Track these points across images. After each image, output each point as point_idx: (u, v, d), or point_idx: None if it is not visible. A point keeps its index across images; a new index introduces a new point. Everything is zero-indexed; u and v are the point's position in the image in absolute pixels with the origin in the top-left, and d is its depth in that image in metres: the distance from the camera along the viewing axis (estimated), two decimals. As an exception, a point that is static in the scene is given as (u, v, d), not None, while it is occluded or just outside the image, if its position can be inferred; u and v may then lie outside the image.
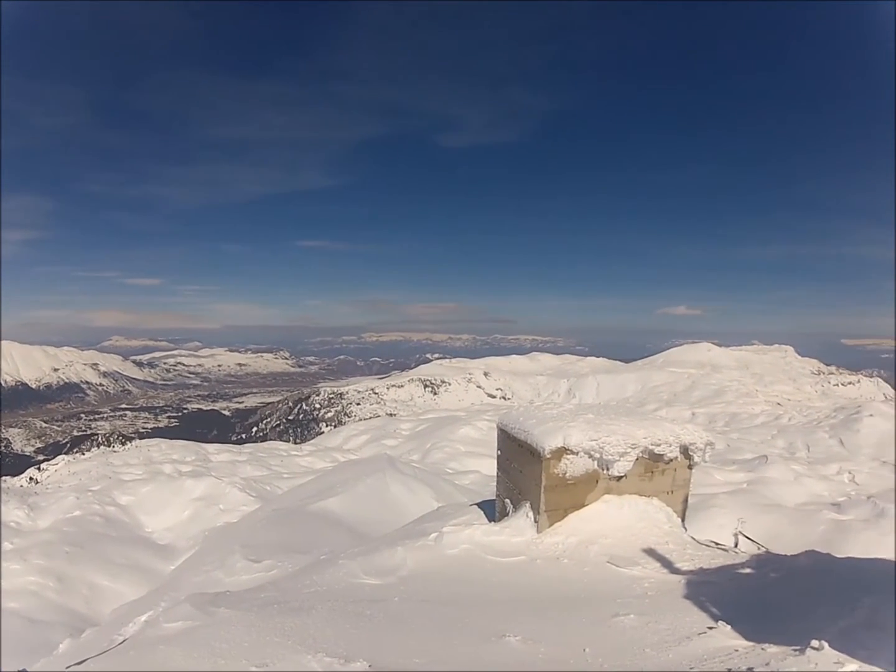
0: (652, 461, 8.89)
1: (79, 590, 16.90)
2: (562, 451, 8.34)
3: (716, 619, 5.48)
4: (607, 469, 8.56)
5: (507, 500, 9.63)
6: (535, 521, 8.63)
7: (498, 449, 10.22)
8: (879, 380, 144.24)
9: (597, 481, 8.69)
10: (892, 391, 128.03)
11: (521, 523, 8.73)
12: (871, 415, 44.53)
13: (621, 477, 8.71)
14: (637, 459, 8.69)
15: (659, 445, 8.75)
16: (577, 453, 8.36)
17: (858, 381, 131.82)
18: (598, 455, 8.44)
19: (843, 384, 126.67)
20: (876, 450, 38.11)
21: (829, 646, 4.06)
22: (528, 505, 8.86)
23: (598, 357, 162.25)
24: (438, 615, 6.34)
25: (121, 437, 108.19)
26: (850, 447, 39.97)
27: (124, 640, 6.69)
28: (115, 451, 43.04)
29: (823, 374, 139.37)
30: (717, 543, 8.93)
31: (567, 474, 8.43)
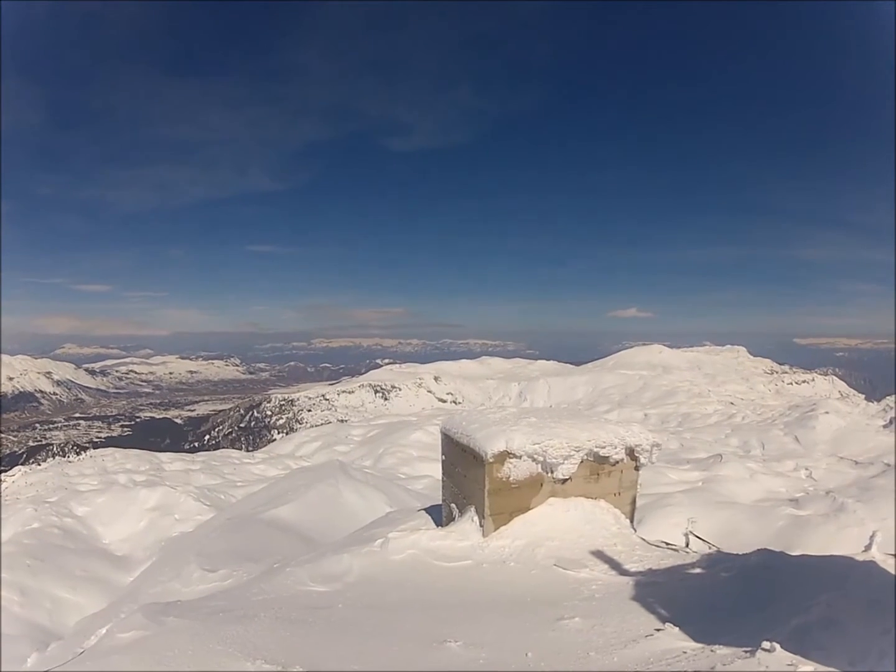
0: (597, 463, 8.90)
1: (42, 603, 16.70)
2: (504, 455, 8.32)
3: (664, 620, 5.43)
4: (551, 472, 8.57)
5: (453, 505, 9.59)
6: (481, 526, 8.61)
7: (442, 454, 10.20)
8: (834, 378, 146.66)
9: (541, 484, 8.67)
10: (847, 388, 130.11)
11: (466, 528, 8.70)
12: (827, 412, 44.99)
13: (566, 480, 8.71)
14: (582, 462, 8.70)
15: (604, 448, 8.77)
16: (520, 457, 8.35)
17: (813, 380, 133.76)
18: (541, 458, 8.44)
19: (796, 383, 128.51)
20: (832, 446, 38.48)
21: (782, 647, 3.98)
22: (473, 509, 8.83)
23: (548, 360, 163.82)
24: (381, 621, 6.29)
25: (75, 447, 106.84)
26: (806, 444, 40.32)
27: (83, 652, 6.64)
28: (70, 462, 42.36)
29: (777, 373, 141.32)
30: (667, 543, 8.93)
31: (511, 478, 8.41)
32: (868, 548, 6.33)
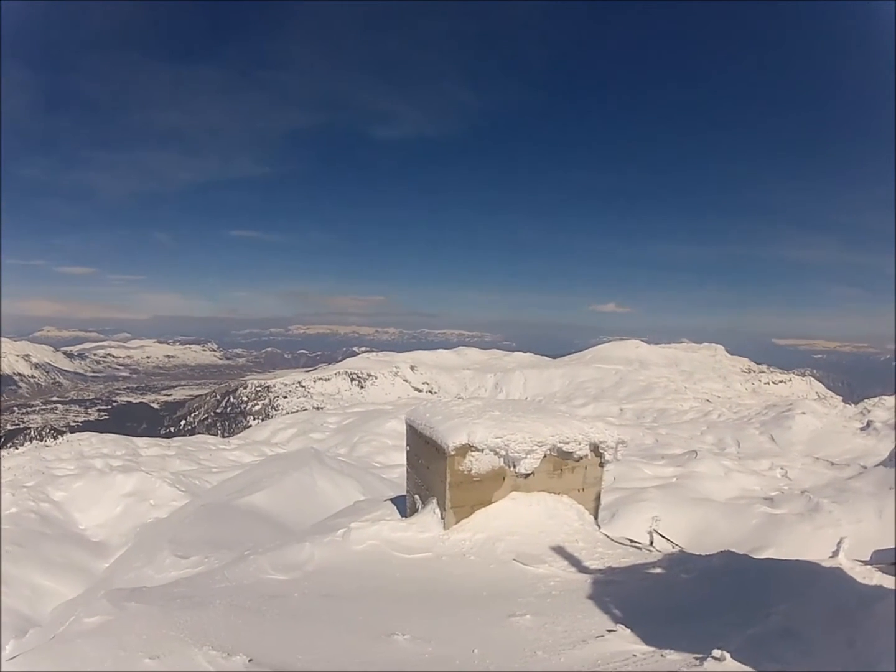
0: (561, 459, 8.91)
1: (22, 591, 16.58)
2: (466, 448, 8.30)
3: (617, 621, 5.32)
4: (514, 466, 8.57)
5: (416, 496, 9.59)
6: (442, 518, 8.59)
7: (407, 444, 10.21)
8: (812, 379, 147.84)
9: (503, 478, 8.67)
10: (825, 390, 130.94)
11: (428, 520, 8.68)
12: (804, 412, 45.29)
13: (529, 474, 8.70)
14: (545, 457, 8.70)
15: (567, 443, 8.78)
16: (482, 450, 8.34)
17: (790, 380, 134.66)
18: (503, 452, 8.44)
19: (774, 382, 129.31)
20: (808, 447, 38.69)
21: (735, 655, 3.89)
22: (434, 501, 8.83)
23: (525, 352, 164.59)
24: (334, 612, 6.25)
25: (52, 431, 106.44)
26: (782, 444, 40.53)
27: (53, 637, 6.68)
28: (47, 446, 42.11)
29: (754, 372, 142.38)
30: (631, 541, 8.89)
31: (473, 471, 8.40)
32: (835, 554, 6.14)
